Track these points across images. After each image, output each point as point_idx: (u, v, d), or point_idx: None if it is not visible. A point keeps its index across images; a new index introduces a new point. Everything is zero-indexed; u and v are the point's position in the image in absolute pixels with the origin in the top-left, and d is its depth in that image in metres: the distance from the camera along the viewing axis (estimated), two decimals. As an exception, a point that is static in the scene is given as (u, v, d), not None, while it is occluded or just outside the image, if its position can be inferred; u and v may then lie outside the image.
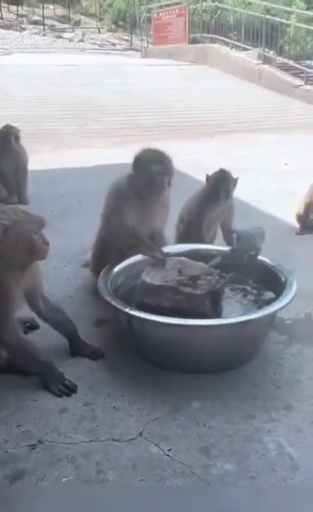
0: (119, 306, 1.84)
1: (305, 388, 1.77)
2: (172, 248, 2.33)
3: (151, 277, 2.00)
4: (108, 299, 1.88)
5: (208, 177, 2.67)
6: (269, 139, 6.72)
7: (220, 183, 2.60)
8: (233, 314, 1.95)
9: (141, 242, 2.21)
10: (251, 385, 1.80)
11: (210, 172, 2.69)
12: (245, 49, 11.16)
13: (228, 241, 2.56)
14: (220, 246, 2.46)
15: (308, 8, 15.37)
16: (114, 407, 1.67)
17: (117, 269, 2.16)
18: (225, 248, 2.34)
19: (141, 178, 2.22)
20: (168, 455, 1.48)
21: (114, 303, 1.85)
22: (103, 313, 2.13)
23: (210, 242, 2.65)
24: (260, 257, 2.21)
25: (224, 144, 6.47)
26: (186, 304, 1.92)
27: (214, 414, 1.64)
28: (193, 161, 4.87)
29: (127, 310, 1.82)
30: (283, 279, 2.04)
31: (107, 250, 2.28)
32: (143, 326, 1.85)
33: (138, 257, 2.20)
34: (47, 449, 1.50)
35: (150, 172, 2.21)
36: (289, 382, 1.81)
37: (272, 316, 1.92)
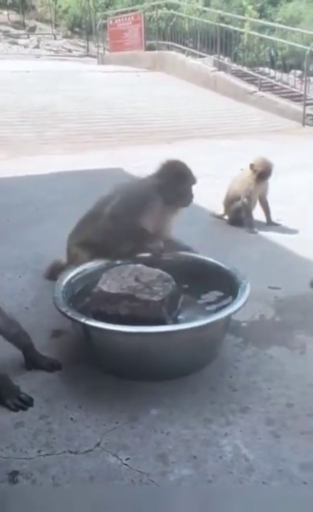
0: (75, 317, 1.82)
1: (260, 390, 1.81)
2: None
3: (108, 285, 1.99)
4: (63, 309, 1.86)
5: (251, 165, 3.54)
6: (226, 144, 6.86)
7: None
8: (191, 319, 1.98)
9: (147, 234, 2.29)
10: (209, 389, 1.82)
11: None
12: (200, 56, 11.36)
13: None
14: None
15: (260, 17, 15.84)
16: (71, 419, 1.65)
17: (72, 278, 2.14)
18: (182, 254, 2.37)
19: (176, 188, 2.34)
20: (126, 464, 1.48)
21: (69, 313, 1.84)
22: (60, 323, 2.10)
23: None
24: (216, 261, 2.26)
25: (181, 149, 6.54)
26: (143, 311, 1.93)
27: (172, 421, 1.65)
28: (150, 168, 4.93)
29: (83, 320, 1.81)
30: (237, 282, 2.08)
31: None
32: (99, 335, 1.85)
33: (93, 265, 2.19)
34: (1, 466, 1.47)
35: (187, 184, 2.37)
36: (245, 385, 1.84)
37: (227, 320, 1.96)
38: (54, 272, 2.50)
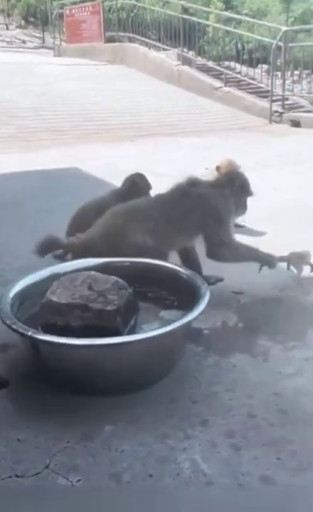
0: (21, 330, 1.80)
1: (221, 400, 1.84)
2: (81, 262, 2.33)
3: (58, 295, 1.98)
4: (8, 322, 1.84)
5: (217, 167, 3.39)
6: (190, 142, 6.95)
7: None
8: (148, 328, 1.99)
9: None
10: (167, 402, 1.83)
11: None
12: (164, 49, 11.48)
13: None
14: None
15: (226, 9, 16.15)
16: (19, 440, 1.63)
17: (21, 288, 2.12)
18: (139, 260, 2.38)
19: (242, 197, 2.71)
20: (77, 486, 1.47)
21: (15, 326, 1.81)
22: (7, 337, 2.07)
23: None
24: (174, 266, 2.28)
25: (144, 148, 6.60)
26: (96, 322, 1.92)
27: (127, 438, 1.65)
28: (110, 167, 4.93)
29: (30, 333, 1.78)
30: (197, 288, 2.11)
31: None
32: (48, 349, 1.83)
33: (43, 274, 2.17)
34: None
35: (247, 196, 2.75)
36: (206, 396, 1.87)
37: (186, 328, 1.98)
38: (47, 249, 2.55)
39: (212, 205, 2.57)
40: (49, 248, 2.54)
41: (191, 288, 2.13)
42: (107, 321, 1.92)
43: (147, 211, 2.55)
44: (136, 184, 3.08)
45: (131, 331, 1.99)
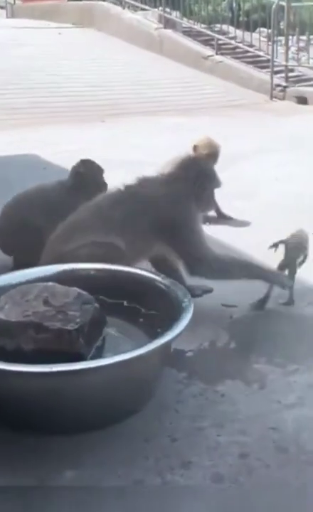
0: None
1: (207, 438, 1.86)
2: (36, 270, 2.35)
3: (6, 312, 1.98)
4: None
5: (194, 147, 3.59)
6: (173, 123, 7.02)
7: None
8: (118, 351, 2.01)
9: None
10: (142, 441, 1.85)
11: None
12: (142, 9, 11.55)
13: None
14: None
15: None
16: None
17: None
18: (108, 267, 2.40)
19: (205, 191, 2.64)
20: None
21: None
22: None
23: None
24: (151, 275, 2.31)
25: (117, 130, 6.64)
26: (54, 344, 1.93)
27: (92, 485, 1.67)
28: (75, 153, 4.94)
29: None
30: (178, 302, 2.14)
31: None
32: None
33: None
34: None
35: (215, 186, 2.73)
36: (188, 432, 1.89)
37: (164, 350, 2.00)
38: None
39: (166, 212, 2.49)
40: None
41: (171, 301, 2.16)
42: (67, 343, 1.94)
43: (90, 221, 2.53)
44: (82, 175, 3.10)
45: (98, 355, 2.01)
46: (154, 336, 2.08)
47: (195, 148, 3.74)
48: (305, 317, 2.67)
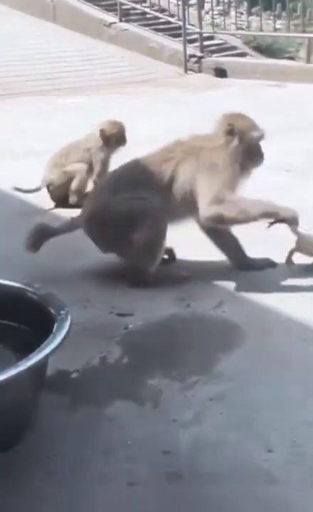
0: None
1: (90, 469, 1.88)
2: None
3: None
4: None
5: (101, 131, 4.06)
6: (71, 103, 7.01)
7: None
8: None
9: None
10: (13, 480, 1.85)
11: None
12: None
13: None
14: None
15: None
16: None
17: None
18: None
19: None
20: None
21: None
22: None
23: None
24: (19, 285, 2.31)
25: (3, 112, 6.56)
26: None
27: None
28: None
29: None
30: (52, 315, 2.15)
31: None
32: None
33: None
34: None
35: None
36: (70, 465, 1.90)
37: (37, 372, 2.00)
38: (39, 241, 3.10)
39: (209, 157, 3.06)
40: (43, 238, 3.11)
41: (44, 314, 2.17)
42: None
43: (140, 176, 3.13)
44: None
45: None
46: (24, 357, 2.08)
47: (102, 131, 4.06)
48: (206, 324, 2.74)
